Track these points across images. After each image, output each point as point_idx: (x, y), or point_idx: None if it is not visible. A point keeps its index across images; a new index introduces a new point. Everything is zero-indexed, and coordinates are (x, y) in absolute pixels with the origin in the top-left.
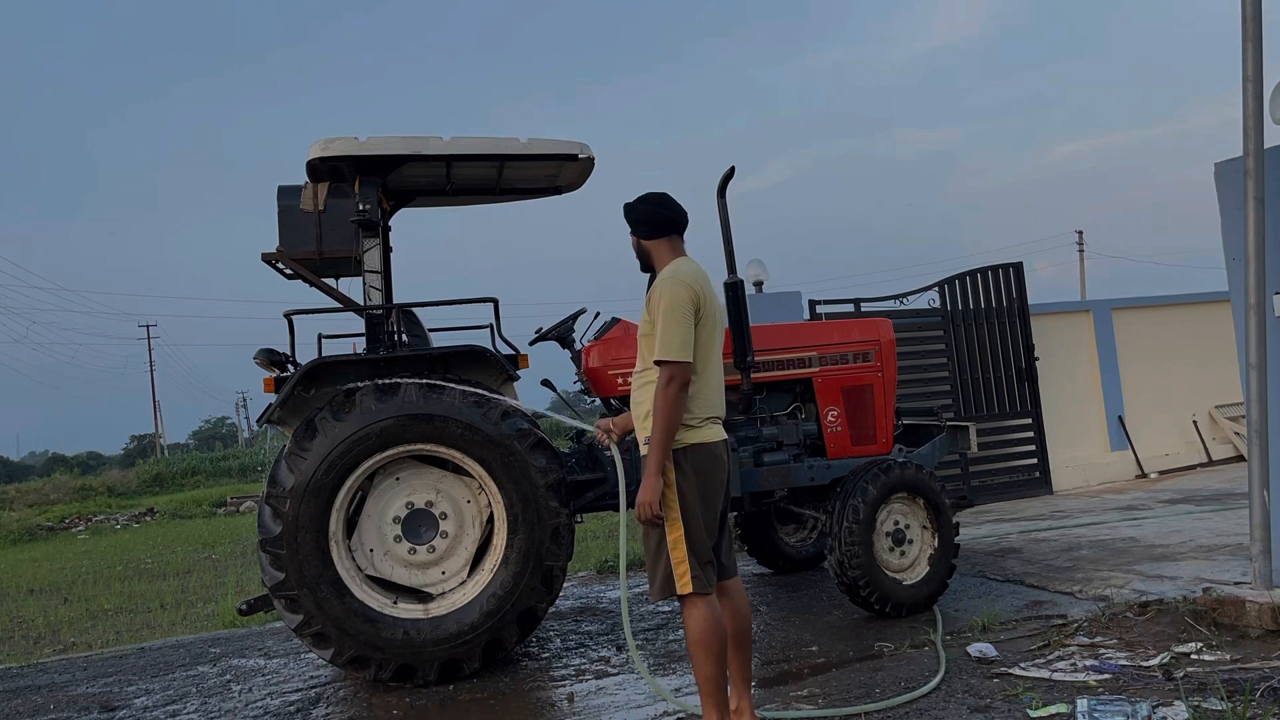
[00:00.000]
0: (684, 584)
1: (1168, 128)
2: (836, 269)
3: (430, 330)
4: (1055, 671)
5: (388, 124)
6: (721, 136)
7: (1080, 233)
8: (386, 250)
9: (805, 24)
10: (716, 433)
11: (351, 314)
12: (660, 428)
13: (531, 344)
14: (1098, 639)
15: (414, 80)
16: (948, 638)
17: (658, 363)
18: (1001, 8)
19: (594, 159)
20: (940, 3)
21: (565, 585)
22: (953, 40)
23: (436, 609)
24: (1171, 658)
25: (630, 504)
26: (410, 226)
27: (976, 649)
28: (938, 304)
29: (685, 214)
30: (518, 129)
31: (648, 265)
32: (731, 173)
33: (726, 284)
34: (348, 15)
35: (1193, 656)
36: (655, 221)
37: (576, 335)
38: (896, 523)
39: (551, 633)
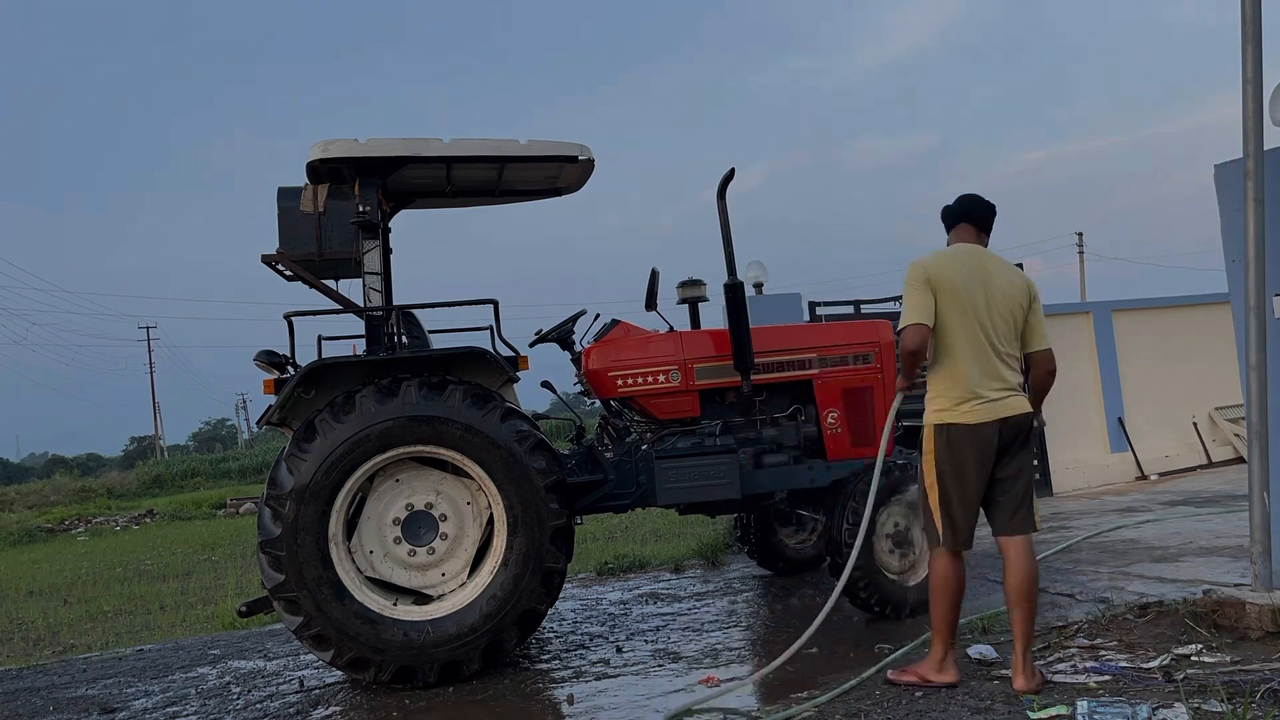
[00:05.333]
0: (930, 537)
1: (1166, 128)
2: (824, 272)
3: (430, 332)
4: (1055, 673)
5: (387, 127)
6: (694, 143)
7: (1080, 234)
8: (386, 252)
9: (773, 31)
10: (973, 413)
11: (351, 315)
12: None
13: (532, 345)
14: (1098, 641)
15: (416, 86)
16: None
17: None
18: (993, 7)
19: (594, 160)
20: (923, 5)
21: (565, 587)
22: (938, 41)
23: (436, 611)
24: (1172, 659)
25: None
26: (411, 228)
27: (976, 650)
28: None
29: (974, 206)
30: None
31: None
32: (731, 174)
33: (726, 286)
34: (345, 28)
35: (1193, 658)
36: (944, 216)
37: (576, 337)
38: (897, 525)
39: (551, 634)
